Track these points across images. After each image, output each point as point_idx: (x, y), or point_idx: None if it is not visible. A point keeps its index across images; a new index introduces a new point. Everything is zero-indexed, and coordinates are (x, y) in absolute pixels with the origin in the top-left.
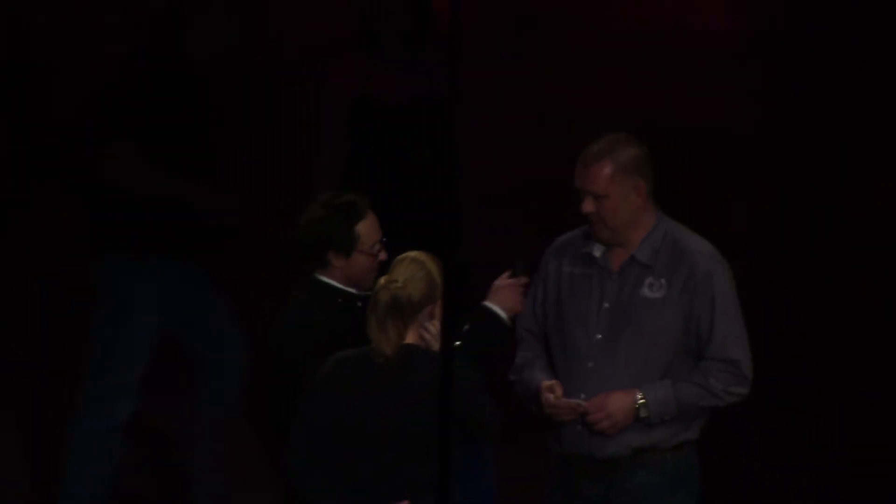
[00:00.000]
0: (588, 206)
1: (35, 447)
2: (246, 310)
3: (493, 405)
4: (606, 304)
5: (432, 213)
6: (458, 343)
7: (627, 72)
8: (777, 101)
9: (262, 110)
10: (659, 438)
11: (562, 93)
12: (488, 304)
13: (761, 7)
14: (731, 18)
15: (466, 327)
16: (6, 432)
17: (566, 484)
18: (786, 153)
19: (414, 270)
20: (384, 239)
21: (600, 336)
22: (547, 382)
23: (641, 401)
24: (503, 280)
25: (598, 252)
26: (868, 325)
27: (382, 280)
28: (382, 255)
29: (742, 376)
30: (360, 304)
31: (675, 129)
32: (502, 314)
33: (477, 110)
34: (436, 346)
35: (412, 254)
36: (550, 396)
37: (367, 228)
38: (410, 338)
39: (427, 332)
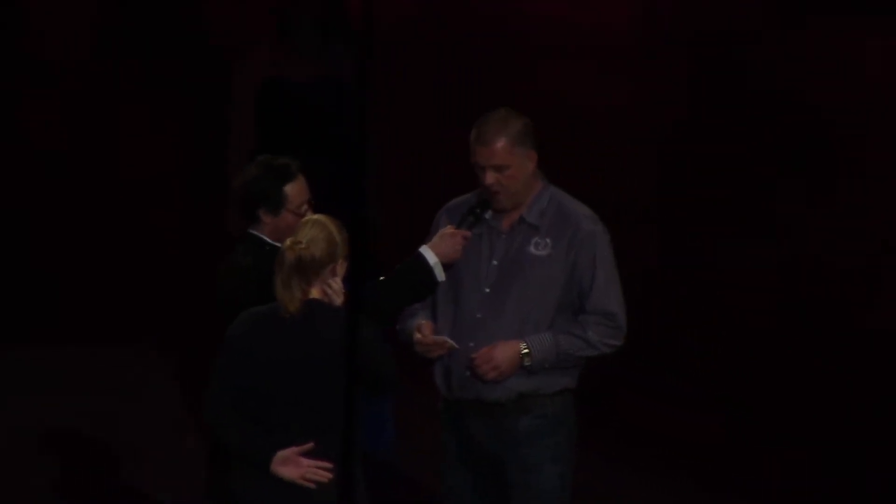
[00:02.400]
0: (490, 179)
1: None
2: None
3: (391, 359)
4: (495, 261)
5: (341, 182)
6: (381, 278)
7: (531, 60)
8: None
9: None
10: (541, 384)
11: (469, 78)
12: (425, 249)
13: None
14: (625, 14)
15: (397, 268)
16: None
17: (456, 426)
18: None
19: (316, 232)
20: (312, 200)
21: (488, 290)
22: (417, 323)
23: (525, 350)
24: (449, 229)
25: (487, 214)
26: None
27: (287, 242)
28: (309, 215)
29: (618, 328)
30: None
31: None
32: (433, 262)
33: (388, 91)
34: (338, 300)
35: (314, 217)
36: (419, 335)
37: (295, 190)
38: (315, 294)
39: (330, 287)
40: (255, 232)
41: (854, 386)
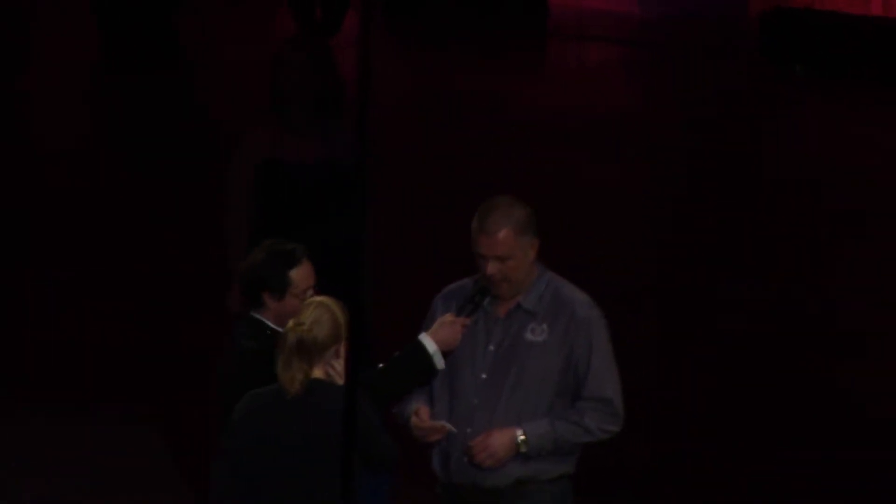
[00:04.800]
0: (492, 269)
1: None
2: None
3: (389, 439)
4: (491, 347)
5: (339, 263)
6: (380, 366)
7: (528, 144)
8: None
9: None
10: (539, 470)
11: (465, 161)
12: (424, 337)
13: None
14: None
15: (396, 355)
16: None
17: None
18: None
19: (320, 314)
20: (317, 287)
21: (485, 376)
22: (415, 408)
23: (522, 437)
24: (448, 316)
25: (486, 301)
26: None
27: (290, 323)
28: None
29: (614, 414)
30: None
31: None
32: (432, 349)
33: (386, 174)
34: (340, 381)
35: (318, 298)
36: (416, 419)
37: (300, 275)
38: (317, 374)
39: (333, 368)
40: (257, 315)
41: None
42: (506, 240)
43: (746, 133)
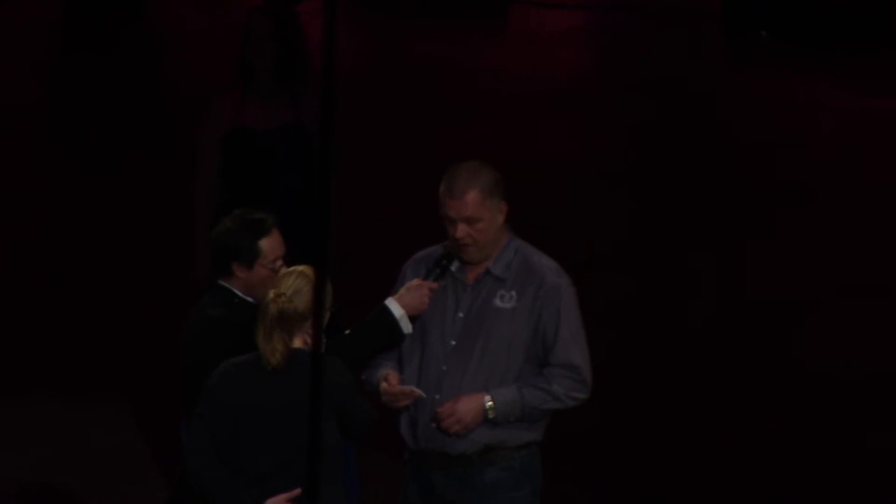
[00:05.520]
0: (461, 232)
1: None
2: None
3: (368, 406)
4: (461, 314)
5: (305, 229)
6: (347, 332)
7: (492, 111)
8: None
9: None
10: (507, 437)
11: (429, 128)
12: (390, 301)
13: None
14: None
15: (363, 320)
16: None
17: (420, 477)
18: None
19: (301, 284)
20: (286, 256)
21: (454, 343)
22: (384, 373)
23: (489, 403)
24: (415, 281)
25: (454, 266)
26: None
27: (271, 293)
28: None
29: (582, 381)
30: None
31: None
32: (398, 315)
33: (349, 142)
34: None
35: (299, 268)
36: (385, 385)
37: (269, 245)
38: (297, 343)
39: (311, 337)
40: (225, 284)
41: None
42: (474, 201)
43: (711, 100)
